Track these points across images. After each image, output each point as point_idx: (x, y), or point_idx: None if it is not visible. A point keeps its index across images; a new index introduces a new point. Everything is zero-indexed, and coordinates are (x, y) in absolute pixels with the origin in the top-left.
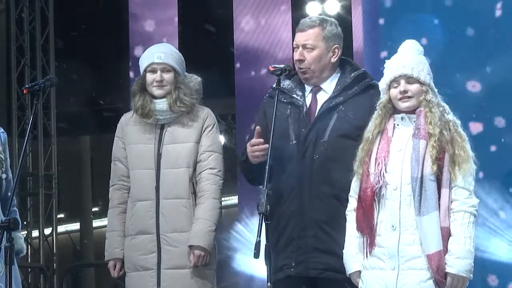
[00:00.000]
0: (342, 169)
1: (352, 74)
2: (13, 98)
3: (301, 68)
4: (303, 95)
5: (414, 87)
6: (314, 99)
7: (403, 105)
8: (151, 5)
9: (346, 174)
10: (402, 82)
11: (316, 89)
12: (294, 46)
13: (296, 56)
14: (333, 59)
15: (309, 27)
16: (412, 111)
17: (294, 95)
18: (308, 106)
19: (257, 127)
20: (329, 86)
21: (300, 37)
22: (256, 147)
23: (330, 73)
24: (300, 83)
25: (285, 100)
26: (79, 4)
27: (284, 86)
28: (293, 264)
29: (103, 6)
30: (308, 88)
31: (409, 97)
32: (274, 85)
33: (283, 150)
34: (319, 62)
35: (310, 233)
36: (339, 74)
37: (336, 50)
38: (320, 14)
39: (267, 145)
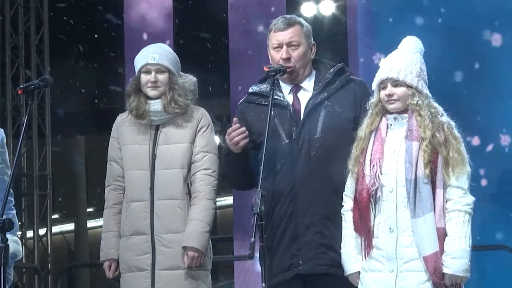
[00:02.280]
0: (339, 164)
1: (332, 70)
2: (7, 98)
3: (288, 67)
4: (284, 96)
5: (400, 91)
6: (296, 98)
7: (389, 107)
8: (147, 5)
9: (343, 168)
10: (389, 85)
11: (296, 89)
12: (276, 45)
13: (284, 54)
14: (312, 56)
15: (288, 25)
16: (404, 111)
17: (276, 96)
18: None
19: (234, 118)
20: (308, 84)
21: (283, 36)
22: (234, 133)
23: (309, 70)
24: (277, 84)
25: (266, 103)
26: (74, 4)
27: (262, 90)
28: (300, 262)
29: (98, 6)
30: (286, 89)
31: (395, 100)
32: (250, 90)
33: (275, 150)
34: (303, 59)
35: (315, 230)
36: (314, 72)
37: (313, 47)
38: (315, 15)
39: (244, 128)
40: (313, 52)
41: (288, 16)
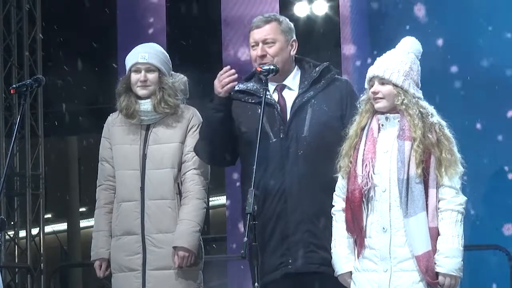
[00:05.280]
0: (327, 162)
1: (317, 69)
2: (0, 98)
3: (264, 64)
4: (270, 94)
5: (385, 89)
6: (281, 97)
7: (376, 105)
8: (139, 5)
9: (331, 166)
10: (376, 82)
11: (281, 87)
12: (253, 44)
13: (259, 52)
14: (292, 52)
15: (265, 22)
16: (395, 111)
17: (263, 95)
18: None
19: (227, 66)
20: (292, 82)
21: (259, 34)
22: (224, 74)
23: (291, 68)
24: (263, 83)
25: (253, 101)
26: (66, 4)
27: (248, 88)
28: (290, 261)
29: (91, 6)
30: (271, 87)
31: (380, 98)
32: (236, 88)
33: (263, 149)
34: (281, 55)
35: (304, 228)
36: (299, 71)
37: (294, 44)
38: (308, 15)
39: (234, 70)
40: (294, 48)
41: (267, 14)
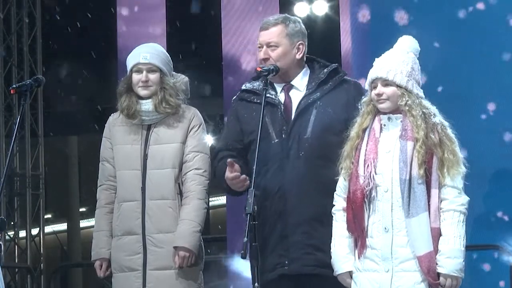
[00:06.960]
0: (328, 164)
1: (325, 70)
2: (0, 98)
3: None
4: (276, 94)
5: (389, 90)
6: (288, 97)
7: (379, 106)
8: (140, 4)
9: (333, 169)
10: (379, 84)
11: (288, 87)
12: (258, 45)
13: (261, 55)
14: (298, 56)
15: (272, 25)
16: (397, 111)
17: (268, 95)
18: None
19: (229, 160)
20: (300, 83)
21: (264, 36)
22: (235, 181)
23: (298, 70)
24: (270, 83)
25: (258, 101)
26: (66, 4)
27: (254, 87)
28: (286, 262)
29: (90, 6)
30: (278, 87)
31: (384, 99)
32: (243, 87)
33: (265, 149)
34: (283, 59)
35: (302, 230)
36: (308, 71)
37: (301, 47)
38: (308, 15)
39: (244, 176)
40: (301, 51)
41: (276, 15)
